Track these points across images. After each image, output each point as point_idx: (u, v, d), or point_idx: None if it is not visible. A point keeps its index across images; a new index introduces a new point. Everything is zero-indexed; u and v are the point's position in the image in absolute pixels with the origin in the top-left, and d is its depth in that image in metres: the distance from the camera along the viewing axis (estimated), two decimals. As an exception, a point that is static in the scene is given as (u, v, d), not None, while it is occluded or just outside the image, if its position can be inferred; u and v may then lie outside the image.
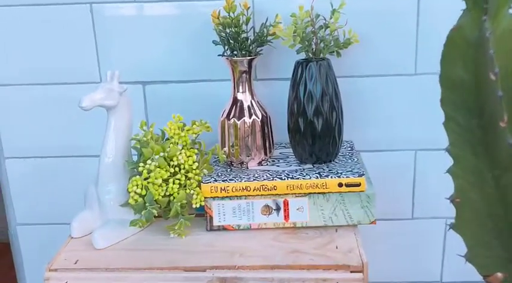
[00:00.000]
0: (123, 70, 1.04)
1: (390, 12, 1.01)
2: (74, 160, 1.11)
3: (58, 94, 1.07)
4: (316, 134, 0.92)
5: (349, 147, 1.03)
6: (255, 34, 0.95)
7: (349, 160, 0.96)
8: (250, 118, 0.95)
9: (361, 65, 1.03)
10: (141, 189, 0.84)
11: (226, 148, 0.96)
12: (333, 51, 0.96)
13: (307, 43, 0.92)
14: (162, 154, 0.86)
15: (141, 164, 0.84)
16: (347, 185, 0.89)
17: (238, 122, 0.94)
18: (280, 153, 1.02)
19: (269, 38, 0.94)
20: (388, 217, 1.10)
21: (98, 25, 1.03)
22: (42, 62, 1.06)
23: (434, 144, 1.07)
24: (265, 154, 0.97)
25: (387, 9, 1.00)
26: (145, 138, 0.87)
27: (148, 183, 0.84)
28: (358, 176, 0.89)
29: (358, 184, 0.89)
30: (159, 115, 1.06)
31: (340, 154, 0.98)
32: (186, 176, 0.89)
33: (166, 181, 0.87)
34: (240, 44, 0.94)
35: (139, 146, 0.88)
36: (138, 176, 0.84)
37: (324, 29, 0.94)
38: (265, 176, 0.91)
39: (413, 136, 1.07)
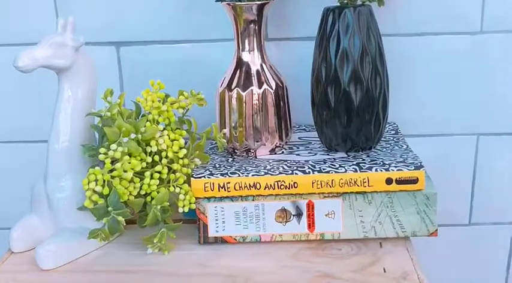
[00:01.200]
0: (89, 27, 0.78)
1: None
2: (17, 147, 0.84)
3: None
4: (353, 109, 0.66)
5: (393, 130, 0.77)
6: (268, -29, 0.68)
7: (396, 147, 0.70)
8: (260, 88, 0.68)
9: (407, 18, 0.77)
10: (102, 186, 0.58)
11: (226, 130, 0.70)
12: (374, -3, 0.69)
13: (340, -17, 0.65)
14: (133, 136, 0.59)
15: (103, 150, 0.58)
16: (399, 181, 0.63)
17: (244, 94, 0.68)
18: (299, 139, 0.76)
19: (287, -23, 0.68)
20: (441, 223, 0.83)
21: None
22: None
23: (502, 128, 0.80)
24: (280, 138, 0.70)
25: None
26: (109, 113, 0.60)
27: (112, 177, 0.58)
28: (415, 169, 0.63)
29: (415, 181, 0.62)
30: (138, 86, 0.79)
31: (382, 139, 0.72)
32: (169, 168, 0.62)
33: (140, 174, 0.61)
34: (247, -16, 0.68)
35: (101, 125, 0.61)
36: (98, 168, 0.58)
37: (363, -37, 0.67)
38: (281, 168, 0.65)
39: (475, 116, 0.81)
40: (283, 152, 0.71)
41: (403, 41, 0.78)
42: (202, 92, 0.68)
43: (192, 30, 0.79)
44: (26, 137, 0.84)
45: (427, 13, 0.76)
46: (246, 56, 0.69)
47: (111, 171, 0.59)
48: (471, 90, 0.79)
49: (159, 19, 0.78)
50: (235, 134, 0.70)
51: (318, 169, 0.64)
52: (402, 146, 0.71)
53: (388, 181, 0.63)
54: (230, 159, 0.69)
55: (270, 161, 0.68)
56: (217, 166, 0.67)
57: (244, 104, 0.68)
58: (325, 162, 0.66)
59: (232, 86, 0.69)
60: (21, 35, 0.79)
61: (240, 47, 0.69)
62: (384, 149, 0.70)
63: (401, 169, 0.63)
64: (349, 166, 0.64)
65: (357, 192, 0.63)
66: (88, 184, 0.58)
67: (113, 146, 0.58)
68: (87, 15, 0.78)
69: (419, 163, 0.63)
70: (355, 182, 0.63)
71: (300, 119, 0.80)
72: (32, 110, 0.82)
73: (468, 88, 0.79)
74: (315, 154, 0.69)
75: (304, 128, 0.80)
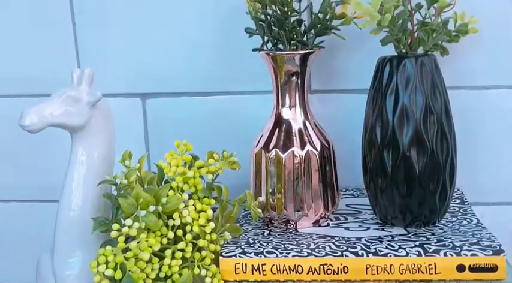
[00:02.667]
0: (113, 77, 0.71)
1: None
2: (26, 207, 0.76)
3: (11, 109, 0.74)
4: (414, 177, 0.55)
5: (458, 198, 0.65)
6: (313, 16, 0.59)
7: (465, 222, 0.59)
8: (302, 149, 0.59)
9: (473, 69, 0.66)
10: (114, 269, 0.48)
11: (262, 198, 0.60)
12: (437, 45, 0.59)
13: (399, 29, 0.56)
14: (153, 208, 0.50)
15: (116, 226, 0.49)
16: (473, 269, 0.51)
17: (283, 155, 0.58)
18: (347, 206, 0.65)
19: (335, 22, 0.59)
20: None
21: (78, 14, 0.70)
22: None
23: None
24: (326, 208, 0.60)
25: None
26: (126, 181, 0.51)
27: (126, 258, 0.48)
28: (493, 254, 0.51)
29: (494, 269, 0.51)
30: (165, 143, 0.71)
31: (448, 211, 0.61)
32: (194, 244, 0.53)
33: (160, 253, 0.51)
34: (289, 31, 0.59)
35: (116, 194, 0.52)
36: (109, 247, 0.49)
37: (426, 7, 0.58)
38: (328, 248, 0.54)
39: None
40: (328, 224, 0.60)
41: (468, 95, 0.67)
42: (235, 154, 0.59)
43: (226, 81, 0.70)
44: (40, 196, 0.76)
45: (496, 64, 0.66)
46: (286, 113, 0.60)
47: (125, 250, 0.49)
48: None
49: (189, 68, 0.70)
50: (273, 201, 0.60)
51: (373, 250, 0.53)
52: (472, 220, 0.59)
53: (460, 268, 0.51)
54: (266, 232, 0.59)
55: (314, 237, 0.57)
56: (251, 241, 0.56)
57: (283, 168, 0.59)
58: (381, 241, 0.55)
59: (270, 147, 0.59)
60: (39, 86, 0.72)
61: (280, 103, 0.60)
62: (451, 224, 0.58)
63: (476, 254, 0.51)
64: (411, 247, 0.53)
65: (421, 280, 0.52)
66: (97, 267, 0.48)
67: (128, 221, 0.49)
68: (110, 64, 0.71)
69: (498, 247, 0.52)
70: (419, 268, 0.51)
71: (347, 182, 0.70)
72: (44, 166, 0.74)
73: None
74: (368, 228, 0.58)
75: (352, 192, 0.70)
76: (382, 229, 0.58)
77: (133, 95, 0.72)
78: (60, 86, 0.54)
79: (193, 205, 0.53)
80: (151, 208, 0.50)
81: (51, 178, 0.73)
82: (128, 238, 0.50)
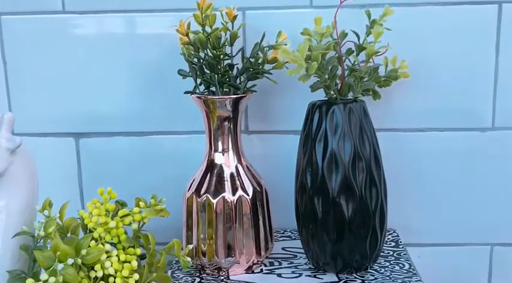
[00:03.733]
0: (47, 117, 0.69)
1: (457, 32, 0.65)
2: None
3: None
4: (344, 222, 0.55)
5: (392, 241, 0.66)
6: (245, 60, 0.59)
7: (397, 267, 0.58)
8: (234, 194, 0.58)
9: (409, 112, 0.67)
10: (28, 327, 0.46)
11: (194, 244, 0.58)
12: (368, 90, 0.60)
13: (328, 76, 0.56)
14: (71, 261, 0.48)
15: (30, 281, 0.46)
16: (401, 320, 0.50)
17: (214, 201, 0.57)
18: (283, 249, 0.64)
19: (267, 66, 0.59)
20: None
21: (9, 52, 0.68)
22: None
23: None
24: (259, 253, 0.59)
25: (453, 27, 0.65)
26: (43, 233, 0.49)
27: (41, 315, 0.46)
28: (420, 303, 0.51)
29: (420, 319, 0.50)
30: (99, 182, 0.68)
31: (380, 254, 0.61)
32: (117, 297, 0.51)
33: (80, 307, 0.49)
34: (221, 75, 0.59)
35: (32, 246, 0.50)
36: (22, 303, 0.46)
37: (355, 54, 0.58)
38: (256, 298, 0.53)
39: (490, 223, 0.69)
40: (262, 270, 0.59)
41: (402, 137, 0.68)
42: (164, 200, 0.57)
43: (161, 121, 0.69)
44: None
45: (429, 107, 0.67)
46: (219, 158, 0.59)
47: (41, 305, 0.47)
48: (483, 193, 0.69)
49: (124, 108, 0.69)
50: (204, 248, 0.58)
51: (301, 300, 0.52)
52: (404, 265, 0.59)
53: (388, 318, 0.50)
54: (197, 280, 0.58)
55: (245, 285, 0.56)
56: (180, 291, 0.55)
57: (214, 213, 0.57)
58: (310, 290, 0.54)
59: (202, 191, 0.58)
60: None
61: (213, 147, 0.59)
62: (383, 270, 0.58)
63: (403, 304, 0.51)
64: (340, 297, 0.52)
65: (349, 331, 0.51)
66: (8, 325, 0.46)
67: (44, 276, 0.46)
68: (43, 103, 0.69)
69: (425, 296, 0.51)
70: (346, 319, 0.51)
71: (284, 223, 0.69)
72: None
73: (479, 190, 0.68)
74: (300, 275, 0.58)
75: (290, 233, 0.69)
76: (315, 276, 0.57)
77: (66, 134, 0.70)
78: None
79: (116, 255, 0.51)
80: (70, 261, 0.48)
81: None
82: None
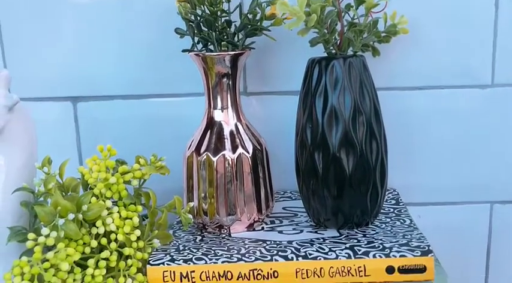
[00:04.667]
0: (42, 80, 0.68)
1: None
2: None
3: None
4: (344, 178, 0.55)
5: (393, 199, 0.66)
6: (243, 16, 0.58)
7: (398, 223, 0.59)
8: (234, 152, 0.57)
9: (406, 70, 0.67)
10: (31, 280, 0.46)
11: (194, 203, 0.58)
12: (367, 46, 0.60)
13: (327, 30, 0.56)
14: (71, 216, 0.47)
15: (31, 235, 0.46)
16: (402, 270, 0.51)
17: (215, 159, 0.57)
18: (283, 209, 0.64)
19: (265, 23, 0.58)
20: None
21: (3, 15, 0.67)
22: None
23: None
24: (259, 211, 0.59)
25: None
26: (43, 188, 0.49)
27: (44, 270, 0.46)
28: (422, 254, 0.51)
29: (422, 270, 0.51)
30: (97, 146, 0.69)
31: (381, 211, 0.61)
32: (119, 253, 0.51)
33: (82, 262, 0.49)
34: (219, 32, 0.58)
35: (32, 202, 0.50)
36: (25, 258, 0.46)
37: (354, 8, 0.57)
38: (258, 253, 0.53)
39: (489, 181, 0.69)
40: (263, 228, 0.59)
41: (402, 96, 0.67)
42: (165, 158, 0.57)
43: (159, 83, 0.68)
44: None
45: (429, 65, 0.66)
46: (218, 115, 0.58)
47: (44, 261, 0.47)
48: (482, 151, 0.68)
49: (121, 70, 0.68)
50: (205, 206, 0.58)
51: (303, 254, 0.52)
52: (405, 221, 0.59)
53: (389, 270, 0.51)
54: (199, 238, 0.58)
55: (246, 242, 0.56)
56: (182, 248, 0.55)
57: (215, 172, 0.57)
58: (312, 244, 0.54)
59: (202, 150, 0.58)
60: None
61: (212, 105, 0.59)
62: (384, 225, 0.58)
63: (404, 255, 0.51)
64: (341, 250, 0.52)
65: (351, 283, 0.51)
66: (12, 278, 0.46)
67: (45, 230, 0.46)
68: (40, 67, 0.68)
69: (426, 247, 0.52)
70: (348, 271, 0.51)
71: (285, 184, 0.69)
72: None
73: (479, 148, 0.68)
74: (301, 231, 0.58)
75: (290, 195, 0.69)
76: (316, 232, 0.57)
77: (63, 98, 0.69)
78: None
79: (118, 212, 0.51)
80: (71, 216, 0.48)
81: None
82: (51, 247, 0.48)
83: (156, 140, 0.69)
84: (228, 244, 0.55)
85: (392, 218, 0.60)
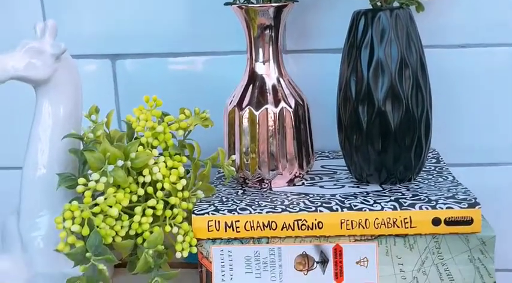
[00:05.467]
0: (81, 38, 0.68)
1: None
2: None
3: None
4: (389, 132, 0.54)
5: (434, 158, 0.65)
6: (287, -31, 0.58)
7: (440, 179, 0.58)
8: (276, 106, 0.57)
9: (450, 27, 0.66)
10: (81, 225, 0.47)
11: (236, 156, 0.59)
12: (413, 0, 0.58)
13: (372, -18, 0.55)
14: (121, 163, 0.48)
15: (82, 180, 0.47)
16: (449, 222, 0.50)
17: (257, 113, 0.57)
18: (322, 167, 0.64)
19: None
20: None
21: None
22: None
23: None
24: (301, 167, 0.59)
25: None
26: (92, 135, 0.49)
27: (95, 214, 0.47)
28: (469, 206, 0.50)
29: (469, 222, 0.50)
30: (135, 104, 0.69)
31: (422, 169, 0.60)
32: (165, 202, 0.51)
33: (129, 210, 0.50)
34: (262, -15, 0.57)
35: (82, 149, 0.50)
36: (75, 202, 0.47)
37: (401, -41, 0.56)
38: (302, 204, 0.53)
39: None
40: (303, 183, 0.59)
41: (444, 54, 0.66)
42: (208, 111, 0.57)
43: (197, 41, 0.68)
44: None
45: (471, 22, 0.65)
46: (260, 68, 0.58)
47: (93, 205, 0.47)
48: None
49: (159, 29, 0.68)
50: (247, 161, 0.58)
51: (348, 205, 0.52)
52: (447, 177, 0.59)
53: (436, 222, 0.50)
54: (240, 192, 0.58)
55: (288, 195, 0.56)
56: (225, 200, 0.55)
57: (257, 126, 0.57)
58: (356, 197, 0.54)
59: (244, 104, 0.58)
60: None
61: (254, 57, 0.58)
62: (426, 181, 0.58)
63: (451, 207, 0.50)
64: (386, 202, 0.52)
65: (397, 235, 0.51)
66: (63, 222, 0.46)
67: (95, 176, 0.47)
68: (79, 25, 0.69)
69: (473, 200, 0.51)
70: (394, 223, 0.51)
71: (321, 144, 0.69)
72: (5, 132, 0.72)
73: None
74: (343, 186, 0.58)
75: (327, 154, 0.69)
76: (358, 187, 0.57)
77: (103, 56, 0.70)
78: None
79: (164, 162, 0.52)
80: (120, 162, 0.48)
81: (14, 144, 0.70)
82: (98, 195, 0.48)
83: (194, 98, 0.69)
84: (270, 197, 0.56)
85: (434, 175, 0.59)
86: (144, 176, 0.50)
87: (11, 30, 0.69)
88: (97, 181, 0.47)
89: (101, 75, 0.70)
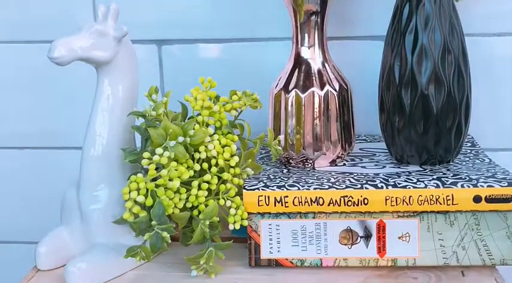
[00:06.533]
0: (127, 23, 0.71)
1: None
2: (47, 153, 0.77)
3: (30, 56, 0.74)
4: (431, 115, 0.57)
5: (469, 142, 0.68)
6: (333, -42, 0.60)
7: (477, 161, 0.61)
8: (322, 89, 0.60)
9: (485, 15, 0.68)
10: (145, 196, 0.50)
11: (282, 137, 0.61)
12: (453, -11, 0.61)
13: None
14: (181, 139, 0.51)
15: (146, 154, 0.50)
16: (489, 200, 0.53)
17: (303, 96, 0.60)
18: (361, 150, 0.67)
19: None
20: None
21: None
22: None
23: None
24: (343, 148, 0.62)
25: None
26: (154, 113, 0.52)
27: (157, 187, 0.50)
28: (508, 185, 0.53)
29: (509, 199, 0.53)
30: (180, 89, 0.72)
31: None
32: (219, 178, 0.54)
33: (187, 185, 0.53)
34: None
35: (144, 126, 0.53)
36: (140, 175, 0.50)
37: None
38: (347, 182, 0.56)
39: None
40: (344, 164, 0.62)
41: (481, 43, 0.69)
42: (257, 93, 0.60)
43: (242, 28, 0.71)
44: (58, 142, 0.77)
45: (507, 10, 0.67)
46: (305, 52, 0.61)
47: (155, 179, 0.51)
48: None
49: (206, 14, 0.71)
50: (292, 141, 0.61)
51: (392, 183, 0.55)
52: (484, 160, 0.61)
53: (477, 199, 0.53)
54: (285, 170, 0.61)
55: (333, 173, 0.59)
56: (272, 177, 0.58)
57: (303, 108, 0.60)
58: (399, 176, 0.57)
59: (290, 87, 0.61)
60: (53, 30, 0.72)
61: (299, 42, 0.61)
62: (464, 163, 0.60)
63: (492, 186, 0.53)
64: (429, 180, 0.55)
65: (438, 212, 0.54)
66: (129, 193, 0.50)
67: (159, 150, 0.50)
68: (126, 9, 0.71)
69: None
70: (437, 200, 0.53)
71: (359, 128, 0.71)
72: (65, 112, 0.75)
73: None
74: (384, 166, 0.60)
75: (365, 137, 0.71)
76: (399, 167, 0.60)
77: (149, 41, 0.73)
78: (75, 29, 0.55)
79: (218, 139, 0.55)
80: (180, 139, 0.51)
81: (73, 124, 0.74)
82: (156, 169, 0.51)
83: (239, 83, 0.71)
84: (316, 175, 0.58)
85: (471, 158, 0.62)
86: (200, 153, 0.53)
87: (64, 14, 0.72)
88: (161, 156, 0.50)
89: (147, 60, 0.73)
